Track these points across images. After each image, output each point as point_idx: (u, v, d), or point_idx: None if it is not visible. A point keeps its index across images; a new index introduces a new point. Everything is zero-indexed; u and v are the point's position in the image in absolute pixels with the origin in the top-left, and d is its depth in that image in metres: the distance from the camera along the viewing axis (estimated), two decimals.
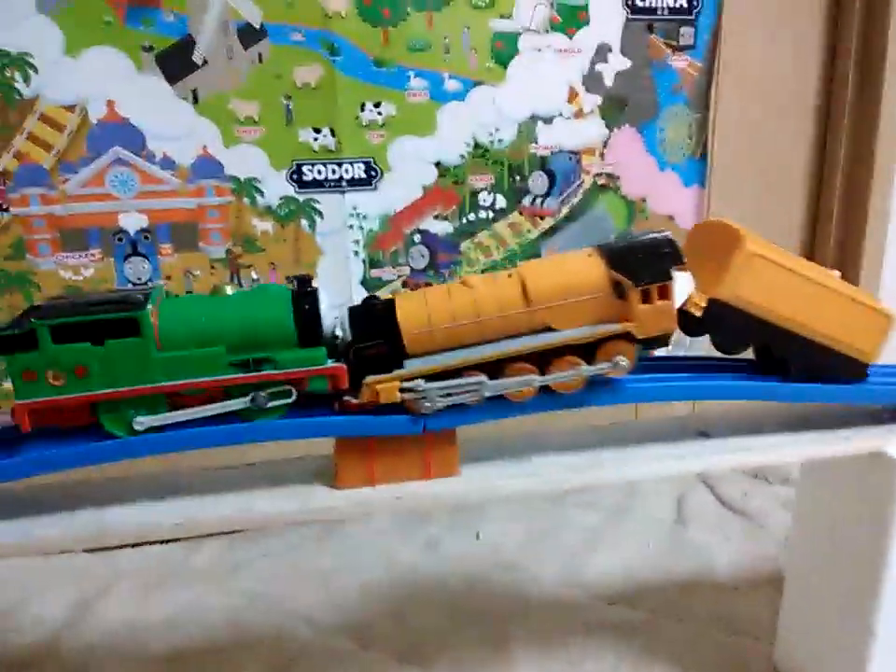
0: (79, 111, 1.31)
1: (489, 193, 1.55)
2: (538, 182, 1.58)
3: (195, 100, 1.33)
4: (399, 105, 1.44)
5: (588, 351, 0.73)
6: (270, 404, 0.69)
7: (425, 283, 1.56)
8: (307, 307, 0.68)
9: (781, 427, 0.85)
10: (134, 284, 1.38)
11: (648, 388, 0.78)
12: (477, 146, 1.52)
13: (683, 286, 0.74)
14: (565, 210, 1.62)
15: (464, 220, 1.55)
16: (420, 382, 0.70)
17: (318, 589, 1.32)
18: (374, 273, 1.52)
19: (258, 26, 1.33)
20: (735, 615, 1.23)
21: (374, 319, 0.71)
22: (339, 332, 0.71)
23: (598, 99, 1.57)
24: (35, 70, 1.27)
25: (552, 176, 1.59)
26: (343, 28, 1.37)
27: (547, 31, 1.50)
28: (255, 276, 1.43)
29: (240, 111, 1.35)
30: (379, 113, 1.43)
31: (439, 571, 1.36)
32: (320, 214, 1.45)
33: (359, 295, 1.50)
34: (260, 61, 1.34)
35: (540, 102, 1.54)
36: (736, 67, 1.66)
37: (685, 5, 1.57)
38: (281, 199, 1.42)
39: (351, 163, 1.44)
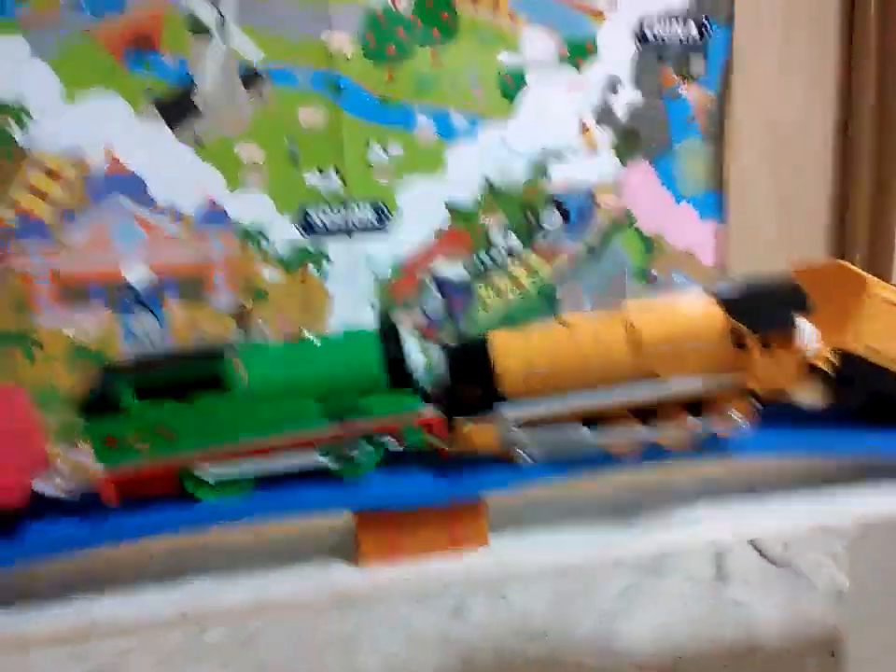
0: (78, 159, 1.26)
1: (502, 233, 1.50)
2: (552, 220, 1.53)
3: (198, 145, 1.28)
4: (407, 145, 1.39)
5: (696, 403, 0.66)
6: (362, 458, 0.64)
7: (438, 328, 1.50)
8: (395, 349, 0.64)
9: (828, 480, 0.77)
10: (140, 339, 1.32)
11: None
12: (489, 185, 1.46)
13: (806, 335, 0.67)
14: (581, 248, 1.56)
15: (477, 262, 1.49)
16: (517, 429, 0.65)
17: (338, 663, 1.22)
18: None
19: (260, 68, 1.29)
20: None
21: (469, 361, 0.66)
22: (426, 373, 0.67)
23: (610, 132, 1.52)
24: (31, 117, 1.22)
25: (566, 214, 1.53)
26: (347, 67, 1.32)
27: (555, 64, 1.46)
28: (263, 325, 1.37)
29: (244, 155, 1.30)
30: (386, 153, 1.38)
31: (465, 642, 1.26)
32: (329, 259, 1.39)
33: None
34: (263, 103, 1.30)
35: (551, 137, 1.49)
36: (750, 96, 1.61)
37: (695, 35, 1.53)
38: (288, 245, 1.36)
39: (359, 206, 1.38)
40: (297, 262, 1.37)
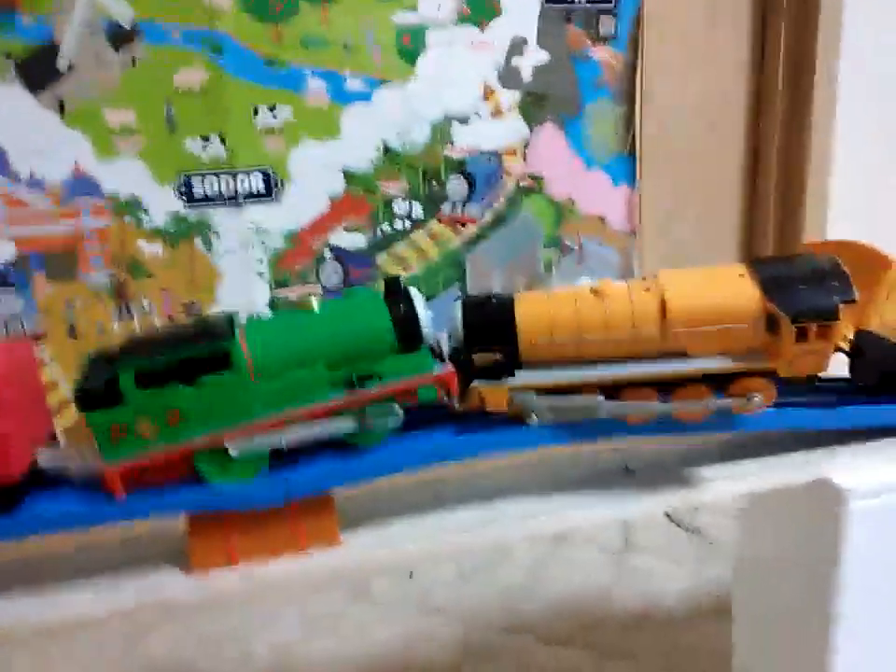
0: None
1: (404, 201, 1.44)
2: (456, 187, 1.47)
3: (62, 110, 1.19)
4: (298, 108, 1.31)
5: (719, 379, 0.65)
6: (379, 425, 0.62)
7: None
8: (403, 308, 0.61)
9: (710, 457, 0.76)
10: (6, 321, 1.23)
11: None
12: (387, 150, 1.40)
13: None
14: (488, 216, 1.51)
15: (378, 232, 1.44)
16: (532, 395, 0.63)
17: (234, 655, 1.18)
18: (282, 293, 1.39)
19: (129, 26, 1.19)
20: (687, 649, 1.14)
21: (490, 320, 0.63)
22: (441, 333, 0.65)
23: (517, 95, 1.47)
24: None
25: (471, 180, 1.48)
26: (227, 25, 1.23)
27: (456, 24, 1.39)
28: (145, 305, 1.29)
29: (114, 121, 1.21)
30: (275, 117, 1.30)
31: (365, 622, 1.24)
32: (216, 232, 1.32)
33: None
34: (134, 64, 1.21)
35: (454, 100, 1.43)
36: (661, 57, 1.57)
37: None
38: (170, 217, 1.28)
39: (247, 174, 1.31)
40: (180, 235, 1.29)
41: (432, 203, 1.46)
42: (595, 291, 0.63)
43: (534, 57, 1.47)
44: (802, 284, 0.62)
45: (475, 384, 0.63)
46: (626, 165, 1.60)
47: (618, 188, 1.61)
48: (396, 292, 0.62)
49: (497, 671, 1.11)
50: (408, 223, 1.45)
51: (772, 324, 0.62)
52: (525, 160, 1.51)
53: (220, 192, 1.30)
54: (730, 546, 1.38)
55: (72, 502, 0.58)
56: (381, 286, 0.63)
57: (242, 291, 1.36)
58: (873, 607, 0.80)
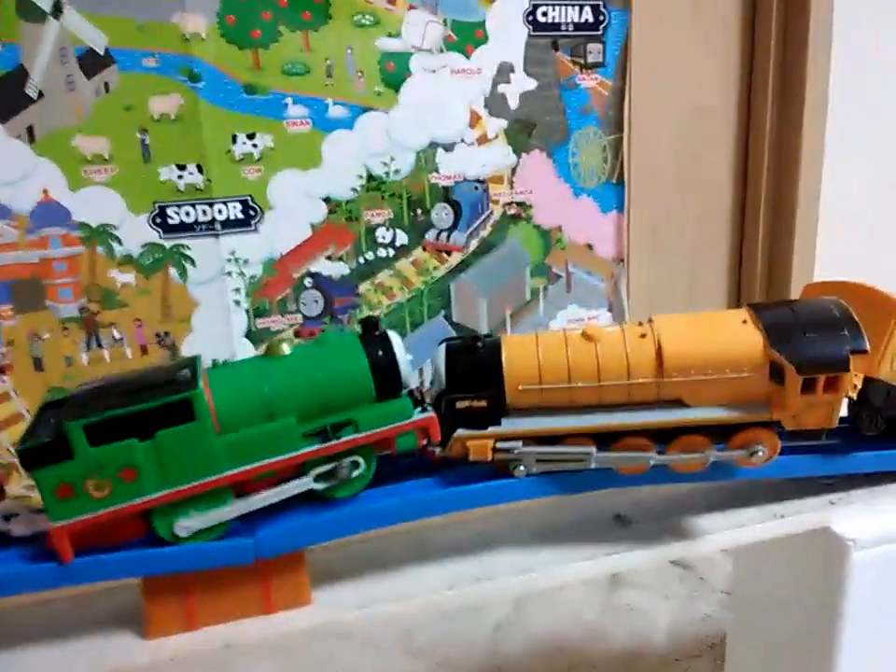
0: None
1: (387, 229, 1.40)
2: (441, 215, 1.44)
3: (31, 138, 1.15)
4: (278, 136, 1.28)
5: (719, 428, 0.61)
6: (354, 476, 0.58)
7: (320, 331, 1.40)
8: (382, 353, 0.57)
9: (707, 505, 0.72)
10: None
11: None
12: (371, 177, 1.36)
13: None
14: (473, 244, 1.48)
15: (361, 260, 1.40)
16: (518, 444, 0.59)
17: None
18: (261, 323, 1.35)
19: (102, 52, 1.16)
20: None
21: (475, 366, 0.60)
22: (424, 376, 0.61)
23: (503, 123, 1.44)
24: None
25: (456, 208, 1.45)
26: (204, 51, 1.20)
27: (441, 50, 1.37)
28: (117, 336, 1.24)
29: (86, 148, 1.17)
30: (254, 145, 1.27)
31: (349, 666, 1.18)
32: (192, 261, 1.27)
33: (243, 349, 1.33)
34: (107, 90, 1.17)
35: (439, 127, 1.40)
36: (650, 85, 1.56)
37: (591, 20, 1.46)
38: (143, 246, 1.24)
39: (225, 203, 1.27)
40: (154, 264, 1.25)
41: (417, 232, 1.43)
42: (586, 336, 0.60)
43: (521, 84, 1.44)
44: (809, 331, 0.58)
45: (459, 432, 0.59)
46: (614, 192, 1.58)
47: (606, 215, 1.58)
48: (373, 335, 0.58)
49: None
50: (392, 251, 1.42)
51: (776, 373, 0.58)
52: (511, 187, 1.48)
53: (197, 221, 1.26)
54: (721, 581, 1.34)
55: (16, 564, 0.53)
56: (358, 328, 0.60)
57: (218, 321, 1.31)
58: (874, 655, 0.76)
